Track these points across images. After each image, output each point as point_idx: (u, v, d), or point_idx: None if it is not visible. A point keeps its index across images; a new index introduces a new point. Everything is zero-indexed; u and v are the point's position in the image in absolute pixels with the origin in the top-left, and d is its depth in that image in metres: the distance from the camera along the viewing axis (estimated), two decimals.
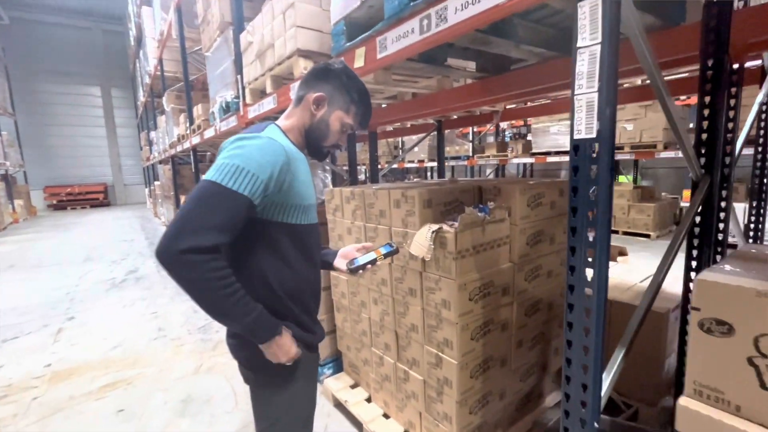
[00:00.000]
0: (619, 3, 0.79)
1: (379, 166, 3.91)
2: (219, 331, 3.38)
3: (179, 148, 6.30)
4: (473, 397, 1.60)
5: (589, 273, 0.89)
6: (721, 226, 1.54)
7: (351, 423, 2.12)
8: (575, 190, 0.88)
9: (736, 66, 1.45)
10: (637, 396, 1.91)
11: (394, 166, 9.85)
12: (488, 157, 8.81)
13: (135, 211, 13.82)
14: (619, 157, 6.40)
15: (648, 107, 5.71)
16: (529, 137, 8.40)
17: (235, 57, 3.07)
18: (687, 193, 8.15)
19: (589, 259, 0.88)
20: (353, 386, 2.28)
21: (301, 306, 1.12)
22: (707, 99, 1.44)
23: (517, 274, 1.68)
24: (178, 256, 0.83)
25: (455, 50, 1.85)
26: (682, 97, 5.40)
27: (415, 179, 11.28)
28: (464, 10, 1.08)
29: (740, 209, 2.27)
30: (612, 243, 1.02)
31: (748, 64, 1.58)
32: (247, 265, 1.03)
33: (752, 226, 2.26)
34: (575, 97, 0.85)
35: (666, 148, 5.66)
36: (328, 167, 4.13)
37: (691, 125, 5.11)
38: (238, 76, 2.99)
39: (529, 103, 3.49)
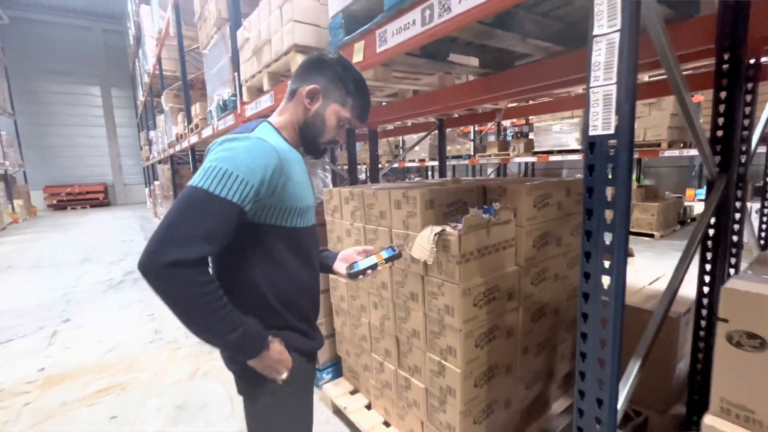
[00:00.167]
0: None
1: (380, 166, 3.85)
2: None
3: (178, 148, 6.24)
4: (477, 406, 1.53)
5: (605, 280, 0.83)
6: (736, 227, 1.48)
7: (350, 431, 2.06)
8: (590, 191, 0.81)
9: (752, 61, 1.39)
10: (647, 403, 1.84)
11: (395, 165, 9.78)
12: (490, 156, 8.74)
13: (135, 211, 13.77)
14: None
15: (652, 105, 5.63)
16: (531, 136, 8.32)
17: (232, 54, 3.00)
18: (690, 192, 8.10)
19: (605, 265, 0.82)
20: (353, 392, 2.22)
21: (299, 313, 1.05)
22: (723, 94, 1.38)
23: (523, 278, 1.62)
24: (162, 270, 0.76)
25: (458, 45, 1.78)
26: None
27: (416, 178, 11.22)
28: None
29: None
30: None
31: (764, 59, 1.52)
32: (239, 273, 0.97)
33: (764, 226, 2.20)
34: (591, 90, 0.78)
35: (670, 146, 5.58)
36: (328, 166, 4.06)
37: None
38: (236, 74, 2.92)
39: (531, 102, 3.43)
